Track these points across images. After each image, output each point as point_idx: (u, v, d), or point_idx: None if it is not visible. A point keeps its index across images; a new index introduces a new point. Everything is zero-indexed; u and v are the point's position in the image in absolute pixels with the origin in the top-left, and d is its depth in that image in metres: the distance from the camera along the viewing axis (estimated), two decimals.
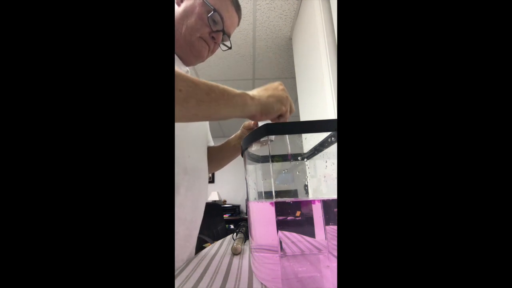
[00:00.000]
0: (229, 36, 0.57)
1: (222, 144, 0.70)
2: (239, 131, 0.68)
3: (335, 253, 0.27)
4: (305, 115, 1.62)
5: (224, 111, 0.33)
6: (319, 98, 1.27)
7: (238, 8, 0.57)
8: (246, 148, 0.37)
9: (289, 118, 0.42)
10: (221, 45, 0.59)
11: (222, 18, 0.53)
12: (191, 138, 0.57)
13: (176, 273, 0.38)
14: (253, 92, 0.38)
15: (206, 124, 0.67)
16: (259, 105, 0.37)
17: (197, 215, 0.57)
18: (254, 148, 0.39)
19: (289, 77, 2.30)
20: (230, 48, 0.60)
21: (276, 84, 0.41)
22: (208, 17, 0.52)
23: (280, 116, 0.40)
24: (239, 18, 0.58)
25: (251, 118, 0.39)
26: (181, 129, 0.53)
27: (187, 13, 0.52)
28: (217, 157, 0.68)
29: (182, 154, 0.52)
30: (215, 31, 0.53)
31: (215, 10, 0.52)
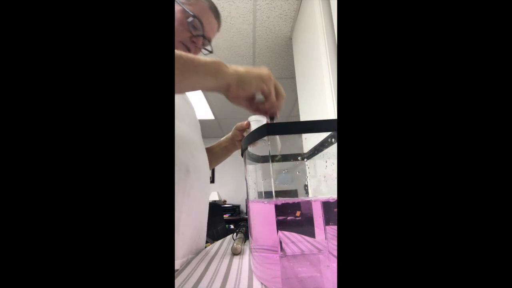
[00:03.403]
0: (209, 41, 0.61)
1: (213, 145, 0.73)
2: (230, 133, 0.71)
3: (335, 253, 0.27)
4: (305, 115, 1.62)
5: (193, 79, 0.30)
6: (319, 98, 1.27)
7: (217, 15, 0.61)
8: (246, 148, 0.37)
9: (289, 118, 0.41)
10: (202, 50, 0.62)
11: (201, 24, 0.56)
12: (195, 138, 0.59)
13: (176, 273, 0.38)
14: (231, 65, 0.35)
15: (198, 125, 0.69)
16: (235, 76, 0.34)
17: (203, 213, 0.59)
18: (251, 148, 0.39)
19: (289, 77, 2.30)
20: (211, 52, 0.62)
21: (261, 67, 0.38)
22: (188, 22, 0.55)
23: (265, 99, 0.35)
24: (219, 24, 0.62)
25: (225, 90, 0.35)
26: (187, 130, 0.56)
27: None
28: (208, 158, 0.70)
29: (189, 155, 0.54)
30: (195, 35, 0.57)
31: (194, 16, 0.55)
